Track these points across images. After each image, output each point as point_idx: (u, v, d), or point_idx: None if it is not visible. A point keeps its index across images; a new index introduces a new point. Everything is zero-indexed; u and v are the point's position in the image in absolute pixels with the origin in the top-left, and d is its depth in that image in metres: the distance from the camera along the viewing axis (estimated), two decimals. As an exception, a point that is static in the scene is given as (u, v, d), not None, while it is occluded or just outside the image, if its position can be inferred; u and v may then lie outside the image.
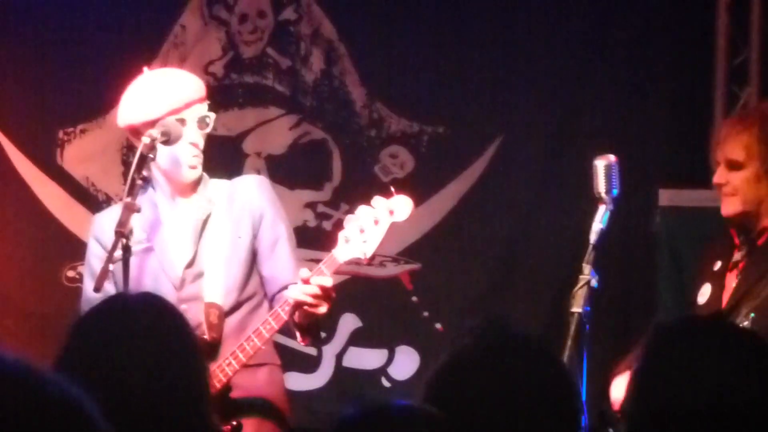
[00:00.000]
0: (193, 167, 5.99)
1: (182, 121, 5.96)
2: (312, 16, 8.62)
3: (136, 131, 5.94)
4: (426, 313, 8.28)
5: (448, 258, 8.48)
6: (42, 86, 8.65)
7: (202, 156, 6.01)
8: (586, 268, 5.45)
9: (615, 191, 5.58)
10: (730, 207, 5.93)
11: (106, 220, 6.02)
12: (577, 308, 5.40)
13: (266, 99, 8.60)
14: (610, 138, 7.71)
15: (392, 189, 5.87)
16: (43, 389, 1.67)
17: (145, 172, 5.83)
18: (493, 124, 8.45)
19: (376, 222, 5.77)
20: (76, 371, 3.65)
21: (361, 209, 5.81)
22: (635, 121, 8.33)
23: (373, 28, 8.61)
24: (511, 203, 8.47)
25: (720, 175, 5.93)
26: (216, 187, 6.17)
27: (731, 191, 5.90)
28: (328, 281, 5.67)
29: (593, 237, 5.56)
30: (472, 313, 7.94)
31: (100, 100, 8.35)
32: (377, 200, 5.80)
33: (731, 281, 5.97)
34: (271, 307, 6.04)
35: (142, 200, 5.98)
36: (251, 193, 6.16)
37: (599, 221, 5.56)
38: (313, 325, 5.87)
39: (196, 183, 6.13)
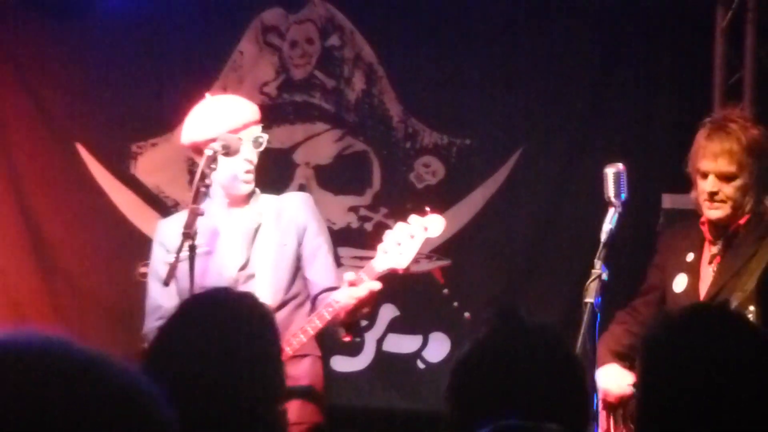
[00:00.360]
0: (247, 182, 6.07)
1: (239, 140, 6.04)
2: (354, 43, 8.59)
3: (198, 148, 6.03)
4: (456, 304, 8.27)
5: (475, 255, 8.42)
6: (117, 105, 8.63)
7: (254, 172, 6.09)
8: (598, 264, 5.49)
9: (623, 195, 5.63)
10: (721, 212, 5.88)
11: (170, 227, 6.11)
12: (589, 299, 5.43)
13: (314, 116, 8.58)
14: (619, 148, 7.71)
15: (427, 209, 5.96)
16: (112, 380, 1.55)
17: (207, 181, 5.87)
18: (515, 136, 8.42)
19: (412, 237, 5.86)
20: (172, 358, 3.86)
21: (399, 225, 5.91)
22: (642, 134, 8.29)
23: (407, 52, 8.52)
24: (531, 206, 8.44)
25: (713, 185, 5.87)
26: (266, 201, 6.24)
27: (723, 198, 5.87)
28: (376, 285, 5.80)
29: (604, 236, 5.58)
30: (496, 303, 7.89)
31: (168, 118, 8.33)
32: (414, 218, 5.89)
33: (707, 273, 5.94)
34: (313, 305, 6.13)
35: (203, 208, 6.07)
36: (297, 208, 6.23)
37: (609, 222, 5.60)
38: (355, 324, 6.01)
39: (249, 196, 6.18)
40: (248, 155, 6.03)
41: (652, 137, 8.29)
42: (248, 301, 4.27)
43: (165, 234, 6.14)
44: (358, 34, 8.59)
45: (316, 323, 5.89)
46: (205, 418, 3.56)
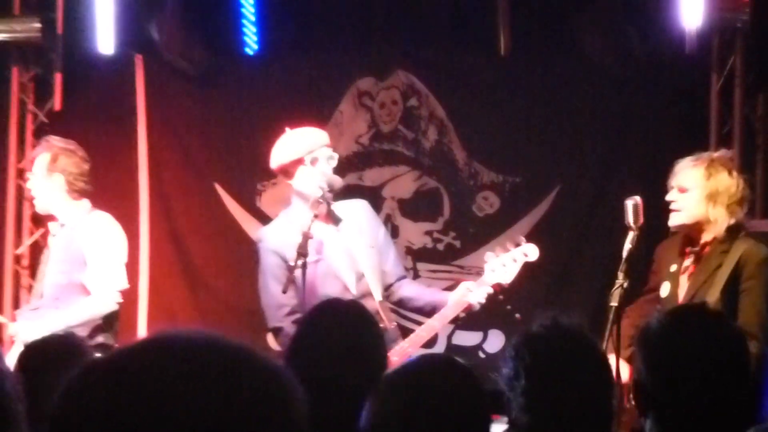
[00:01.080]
0: (329, 185, 6.02)
1: (315, 160, 6.06)
2: (429, 103, 8.56)
3: (285, 170, 6.14)
4: (509, 307, 7.71)
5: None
6: (246, 153, 8.60)
7: (338, 181, 6.12)
8: (620, 275, 5.54)
9: (640, 222, 5.67)
10: (674, 219, 5.89)
11: (278, 236, 6.10)
12: (613, 303, 5.49)
13: (398, 160, 8.56)
14: (636, 184, 7.25)
15: (522, 239, 6.24)
16: (255, 362, 1.45)
17: (315, 211, 5.95)
18: (554, 175, 8.40)
19: (515, 260, 6.10)
20: (310, 356, 3.84)
21: (504, 254, 6.12)
22: (653, 173, 7.59)
23: (470, 110, 8.50)
24: (567, 230, 8.36)
25: (671, 195, 5.91)
26: (337, 207, 6.20)
27: (677, 208, 5.87)
28: (485, 292, 6.11)
29: (624, 253, 5.61)
30: (540, 307, 7.75)
31: None
32: (515, 248, 6.13)
33: (684, 282, 5.90)
34: (388, 293, 6.20)
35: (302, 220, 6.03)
36: (368, 214, 6.31)
37: (629, 242, 5.63)
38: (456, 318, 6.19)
39: (326, 208, 6.12)
40: (325, 169, 6.05)
41: (662, 175, 7.98)
42: (368, 312, 4.24)
43: (275, 242, 6.09)
44: (432, 96, 8.57)
45: (435, 325, 6.13)
46: (332, 410, 3.42)
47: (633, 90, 8.25)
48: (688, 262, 5.91)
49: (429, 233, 8.46)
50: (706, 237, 5.86)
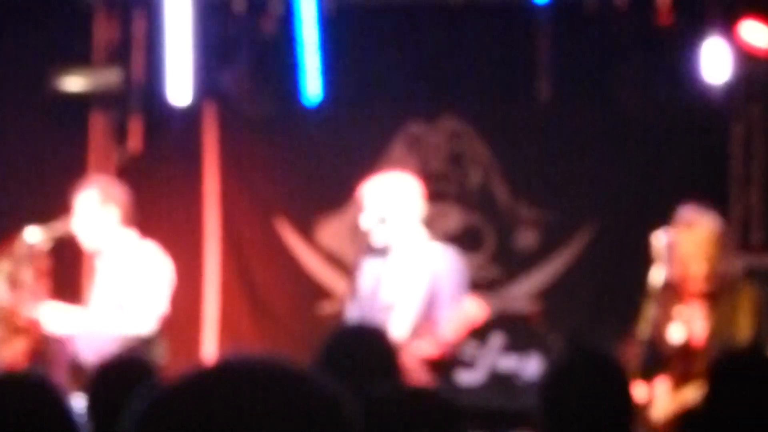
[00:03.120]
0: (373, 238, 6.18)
1: (369, 214, 6.24)
2: (473, 145, 8.75)
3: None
4: (547, 334, 8.26)
5: (561, 298, 8.50)
6: (304, 189, 8.88)
7: (376, 238, 6.21)
8: (647, 306, 5.82)
9: (666, 256, 5.78)
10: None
11: (365, 270, 6.27)
12: (642, 338, 5.73)
13: (445, 198, 8.62)
14: (664, 219, 7.09)
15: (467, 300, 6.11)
16: (308, 386, 1.44)
17: (371, 245, 6.21)
18: (590, 212, 8.56)
19: (459, 317, 5.91)
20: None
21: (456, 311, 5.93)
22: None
23: (512, 152, 8.73)
24: (603, 264, 8.50)
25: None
26: (428, 248, 6.26)
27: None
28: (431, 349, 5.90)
29: (652, 285, 5.86)
30: (577, 335, 7.95)
31: (341, 198, 8.62)
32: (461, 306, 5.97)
33: (698, 323, 5.85)
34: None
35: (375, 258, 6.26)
36: (442, 261, 6.25)
37: (656, 275, 5.84)
38: (441, 369, 6.06)
39: (403, 241, 6.21)
40: (368, 224, 6.23)
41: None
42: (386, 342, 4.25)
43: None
44: (477, 139, 8.76)
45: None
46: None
47: (662, 136, 8.42)
48: (695, 301, 5.90)
49: (473, 266, 8.25)
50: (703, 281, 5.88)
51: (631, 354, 5.78)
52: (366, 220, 6.27)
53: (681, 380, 5.77)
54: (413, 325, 6.11)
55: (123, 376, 4.08)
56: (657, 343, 5.75)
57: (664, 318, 5.89)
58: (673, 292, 5.92)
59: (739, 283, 5.94)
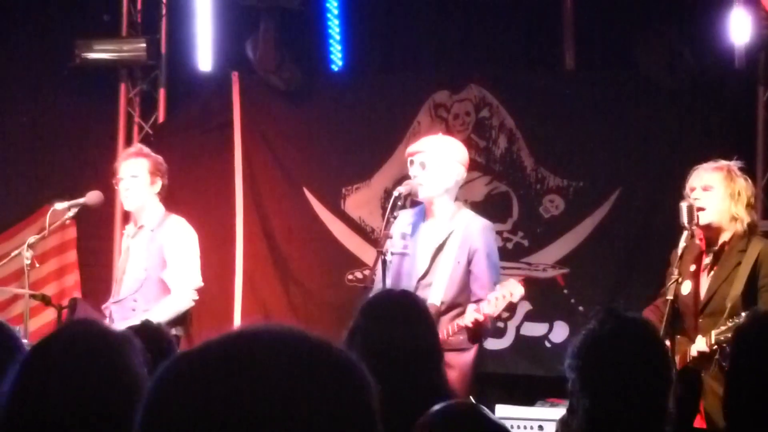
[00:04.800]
0: (407, 189, 6.10)
1: (411, 162, 6.18)
2: (499, 114, 8.66)
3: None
4: (573, 300, 8.32)
5: (586, 265, 8.41)
6: (332, 160, 8.87)
7: (415, 187, 6.11)
8: (675, 271, 5.71)
9: (694, 222, 5.72)
10: (704, 217, 5.82)
11: (399, 221, 6.22)
12: (669, 296, 5.60)
13: (471, 166, 7.70)
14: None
15: (513, 279, 6.03)
16: (329, 354, 1.43)
17: (395, 214, 6.09)
18: (615, 179, 8.45)
19: (503, 297, 5.77)
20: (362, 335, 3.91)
21: (498, 290, 5.84)
22: None
23: (537, 120, 8.61)
24: (626, 230, 8.39)
25: (696, 194, 5.88)
26: (462, 217, 6.21)
27: (703, 206, 5.82)
28: (480, 317, 5.79)
29: (679, 251, 5.76)
30: (603, 300, 7.84)
31: (367, 170, 8.76)
32: (502, 288, 5.85)
33: (705, 280, 5.88)
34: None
35: (408, 213, 6.26)
36: (476, 233, 6.18)
37: (683, 241, 5.75)
38: (472, 336, 5.97)
39: (442, 210, 6.17)
40: (413, 171, 6.16)
41: None
42: (422, 302, 4.33)
43: (395, 227, 6.19)
44: (502, 108, 8.67)
45: (450, 331, 5.92)
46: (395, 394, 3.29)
47: (687, 102, 8.34)
48: (707, 260, 5.92)
49: (499, 233, 8.40)
50: (725, 236, 5.89)
51: (657, 316, 5.74)
52: (410, 166, 6.21)
53: (691, 335, 5.81)
54: (451, 295, 6.09)
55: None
56: (676, 301, 5.72)
57: (682, 276, 5.91)
58: (691, 250, 5.94)
59: (750, 240, 5.89)
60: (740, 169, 6.05)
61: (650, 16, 8.27)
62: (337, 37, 8.97)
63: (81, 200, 6.95)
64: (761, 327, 3.18)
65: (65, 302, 7.11)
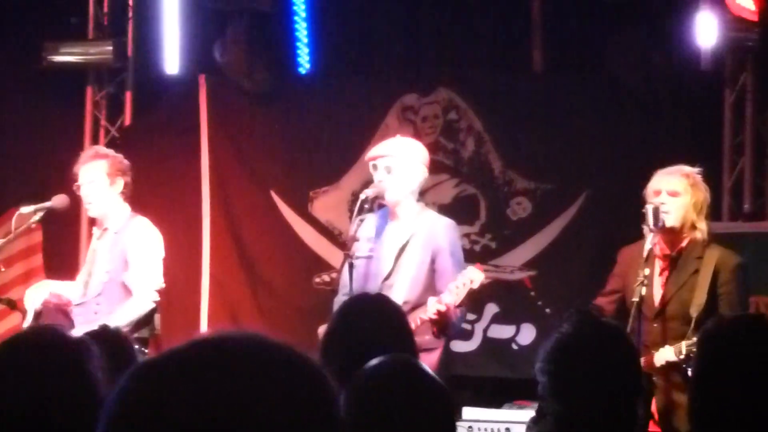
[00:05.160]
0: (374, 193, 6.06)
1: (375, 167, 6.13)
2: (467, 117, 8.66)
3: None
4: (540, 302, 8.29)
5: (553, 267, 8.43)
6: (299, 163, 8.83)
7: (382, 190, 6.08)
8: (641, 273, 5.65)
9: (659, 224, 5.73)
10: (668, 221, 5.81)
11: (363, 227, 6.13)
12: (635, 298, 5.57)
13: (438, 169, 8.37)
14: None
15: (471, 266, 5.94)
16: (291, 360, 1.41)
17: (362, 217, 6.05)
18: (583, 182, 8.47)
19: (463, 285, 5.75)
20: (339, 335, 3.87)
21: (458, 278, 5.83)
22: None
23: (505, 123, 8.61)
24: (594, 232, 8.38)
25: (661, 198, 5.87)
26: (425, 218, 6.19)
27: (668, 210, 5.82)
28: (442, 307, 5.76)
29: (645, 253, 5.71)
30: (570, 304, 7.35)
31: (334, 173, 8.71)
32: (463, 273, 5.85)
33: (658, 285, 5.89)
34: None
35: (373, 217, 6.15)
36: (440, 233, 6.15)
37: (649, 243, 5.73)
38: (439, 329, 5.93)
39: (399, 210, 6.15)
40: (378, 176, 6.13)
41: None
42: (396, 305, 4.34)
43: (359, 230, 6.13)
44: (471, 110, 8.67)
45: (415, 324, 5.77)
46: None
47: (654, 104, 8.35)
48: (662, 265, 5.95)
49: (467, 236, 8.44)
50: (683, 243, 5.91)
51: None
52: (374, 171, 6.19)
53: (645, 339, 5.83)
54: (416, 294, 6.07)
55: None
56: (642, 303, 5.72)
57: (626, 279, 5.98)
58: (639, 251, 5.92)
59: (706, 248, 5.92)
60: (702, 177, 6.07)
61: (618, 18, 8.31)
62: (305, 40, 8.95)
63: (47, 204, 6.87)
64: (727, 332, 3.14)
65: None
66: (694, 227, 5.91)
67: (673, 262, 5.93)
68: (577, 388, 3.21)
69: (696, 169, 6.09)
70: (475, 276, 5.82)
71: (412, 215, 6.23)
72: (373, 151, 6.31)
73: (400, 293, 6.00)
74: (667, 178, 6.00)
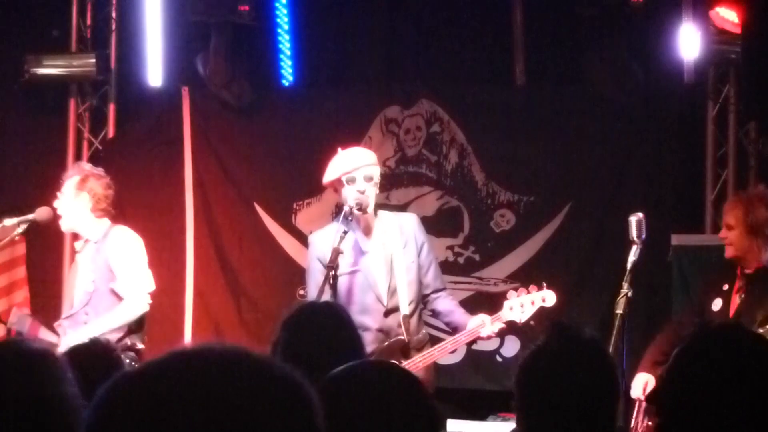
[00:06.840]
0: (358, 204, 6.03)
1: (352, 180, 6.05)
2: (450, 129, 8.66)
3: (333, 185, 6.18)
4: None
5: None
6: (283, 176, 8.78)
7: (367, 200, 6.05)
8: (625, 285, 5.61)
9: (643, 236, 5.73)
10: (728, 252, 6.16)
11: (323, 243, 6.05)
12: (619, 310, 5.54)
13: (422, 181, 8.65)
14: (640, 202, 7.64)
15: (544, 284, 6.20)
16: (272, 372, 1.43)
17: (345, 227, 5.94)
18: (566, 194, 8.47)
19: (532, 303, 6.09)
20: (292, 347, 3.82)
21: (525, 295, 6.13)
22: (656, 191, 8.27)
23: (488, 136, 8.59)
24: (577, 244, 8.41)
25: (722, 233, 6.23)
26: (386, 218, 6.22)
27: (728, 243, 6.15)
28: (495, 329, 6.04)
29: (629, 265, 5.68)
30: (554, 315, 7.31)
31: (318, 185, 8.27)
32: (535, 292, 6.13)
33: (736, 299, 6.13)
34: (424, 302, 6.22)
35: (348, 237, 6.02)
36: (415, 229, 6.25)
37: (633, 255, 5.70)
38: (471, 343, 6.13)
39: (369, 217, 6.15)
40: (360, 187, 6.08)
41: (663, 194, 8.30)
42: (344, 312, 4.23)
43: (319, 249, 6.10)
44: (453, 123, 8.67)
45: (449, 347, 6.15)
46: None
47: (637, 116, 8.38)
48: (740, 283, 6.19)
49: (450, 248, 8.50)
50: (754, 264, 6.16)
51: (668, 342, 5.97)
52: (351, 184, 6.14)
53: None
54: (414, 294, 6.14)
55: (91, 362, 3.97)
56: (625, 315, 5.67)
57: (712, 292, 6.28)
58: (723, 269, 6.29)
59: None
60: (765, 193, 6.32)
61: (600, 31, 8.30)
62: (288, 53, 8.92)
63: (30, 216, 6.85)
64: (707, 336, 3.06)
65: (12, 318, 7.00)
66: (760, 249, 6.18)
67: (749, 281, 6.17)
68: (548, 402, 3.15)
69: (758, 189, 6.48)
70: (548, 295, 6.03)
71: (376, 219, 6.25)
72: (350, 164, 6.18)
73: (405, 296, 6.08)
74: (726, 212, 6.36)
